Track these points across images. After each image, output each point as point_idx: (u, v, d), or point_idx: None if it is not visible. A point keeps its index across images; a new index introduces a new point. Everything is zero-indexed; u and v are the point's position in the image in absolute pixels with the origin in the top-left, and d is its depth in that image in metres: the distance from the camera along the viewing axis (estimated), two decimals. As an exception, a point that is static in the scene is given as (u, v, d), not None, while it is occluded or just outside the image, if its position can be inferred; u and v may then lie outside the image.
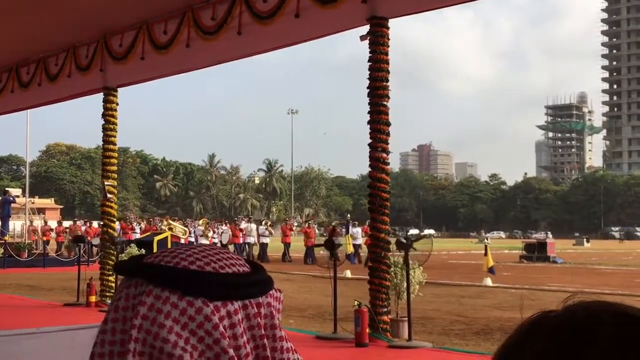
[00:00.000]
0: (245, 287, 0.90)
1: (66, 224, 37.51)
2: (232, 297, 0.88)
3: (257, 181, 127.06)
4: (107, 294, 13.73)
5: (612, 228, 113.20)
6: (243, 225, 32.65)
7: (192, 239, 31.55)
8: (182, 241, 31.13)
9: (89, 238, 26.49)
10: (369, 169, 10.13)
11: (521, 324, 0.73)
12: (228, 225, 34.86)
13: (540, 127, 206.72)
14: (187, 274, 0.87)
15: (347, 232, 29.50)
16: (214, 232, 32.86)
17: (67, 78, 13.88)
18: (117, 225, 33.70)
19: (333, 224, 38.23)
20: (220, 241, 31.07)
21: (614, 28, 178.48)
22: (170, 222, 34.41)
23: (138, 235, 31.14)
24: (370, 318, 9.46)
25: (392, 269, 10.18)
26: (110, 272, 13.85)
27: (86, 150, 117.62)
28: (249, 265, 0.94)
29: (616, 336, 0.67)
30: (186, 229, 33.41)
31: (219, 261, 0.91)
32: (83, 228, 34.43)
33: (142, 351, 0.84)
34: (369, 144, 10.07)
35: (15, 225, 33.43)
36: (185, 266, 0.89)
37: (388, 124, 10.04)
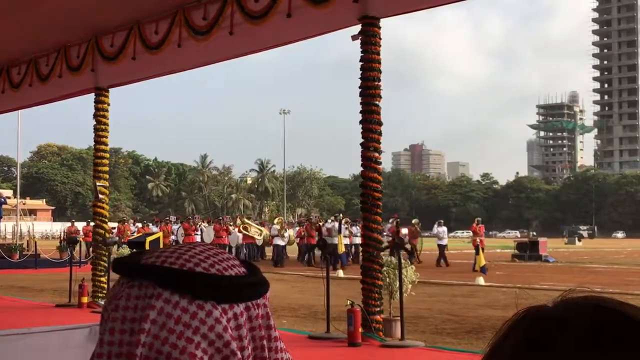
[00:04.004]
0: (247, 289, 0.90)
1: (112, 224, 36.31)
2: (237, 299, 0.88)
3: (249, 181, 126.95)
4: (99, 294, 13.70)
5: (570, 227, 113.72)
6: (329, 224, 28.98)
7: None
8: (260, 242, 29.53)
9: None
10: (361, 169, 10.13)
11: (511, 317, 0.74)
12: (304, 224, 31.19)
13: (532, 126, 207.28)
14: (195, 277, 0.87)
15: (340, 231, 28.62)
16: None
17: (58, 78, 13.84)
18: (176, 227, 32.09)
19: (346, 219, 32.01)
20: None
21: (605, 27, 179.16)
22: (246, 220, 31.28)
23: (199, 238, 28.84)
24: (362, 317, 9.46)
25: (384, 268, 10.20)
26: (103, 273, 13.82)
27: (77, 150, 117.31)
28: (244, 265, 0.94)
29: (589, 326, 0.69)
30: (262, 229, 30.61)
31: (221, 262, 0.91)
32: (133, 228, 32.70)
33: (148, 356, 0.84)
34: (361, 144, 10.07)
35: (7, 226, 33.27)
36: (191, 268, 0.88)
37: (380, 124, 10.05)
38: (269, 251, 31.29)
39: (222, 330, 0.85)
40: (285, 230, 29.44)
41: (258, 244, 30.50)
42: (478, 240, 24.58)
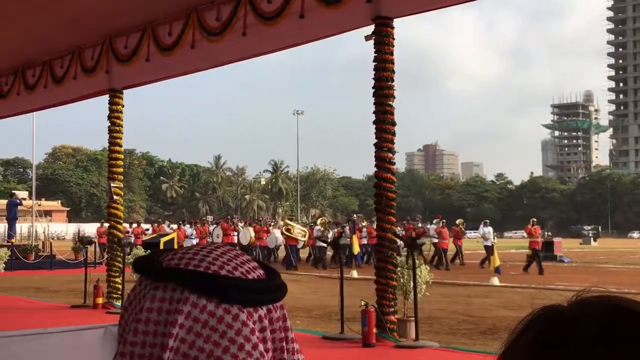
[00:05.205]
0: (270, 292, 0.90)
1: (145, 225, 35.51)
2: (261, 303, 0.89)
3: (263, 182, 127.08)
4: (114, 295, 13.76)
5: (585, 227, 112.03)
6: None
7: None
8: (300, 245, 28.99)
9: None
10: (375, 169, 10.12)
11: (525, 316, 0.74)
12: (343, 225, 29.99)
13: (547, 125, 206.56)
14: (222, 281, 0.87)
15: (354, 232, 28.35)
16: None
17: (72, 80, 13.91)
18: (211, 227, 31.10)
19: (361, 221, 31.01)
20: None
21: (620, 26, 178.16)
22: (288, 221, 30.20)
23: (236, 239, 28.31)
24: (377, 318, 9.45)
25: (398, 268, 10.18)
26: (117, 274, 13.88)
27: (92, 152, 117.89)
28: (262, 268, 0.94)
29: (600, 326, 0.69)
30: (306, 230, 29.53)
31: (242, 265, 0.91)
32: (168, 230, 31.70)
33: (174, 359, 0.84)
34: (374, 144, 10.06)
35: (22, 227, 33.44)
36: (215, 271, 0.88)
37: (394, 124, 10.04)
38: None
39: (249, 333, 0.85)
40: (328, 231, 28.50)
41: (298, 246, 29.67)
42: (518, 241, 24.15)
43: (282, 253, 29.99)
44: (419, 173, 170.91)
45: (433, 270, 23.29)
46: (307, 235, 28.92)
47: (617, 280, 20.22)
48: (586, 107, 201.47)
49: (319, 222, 30.83)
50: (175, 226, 33.78)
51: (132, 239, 27.49)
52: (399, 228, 26.49)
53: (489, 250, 26.41)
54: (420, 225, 29.28)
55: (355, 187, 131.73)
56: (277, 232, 29.60)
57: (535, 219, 26.65)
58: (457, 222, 29.31)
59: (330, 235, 28.06)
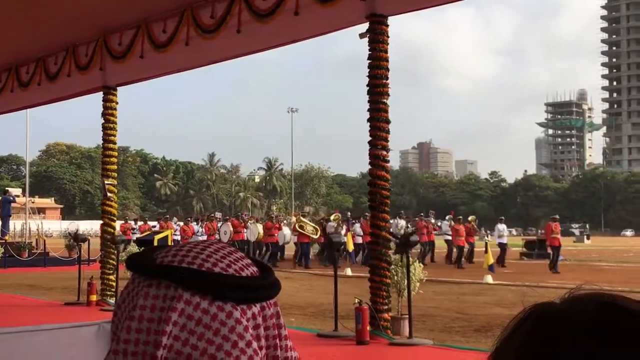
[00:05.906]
0: (264, 289, 0.90)
1: (152, 222, 35.23)
2: (255, 300, 0.89)
3: (257, 180, 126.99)
4: (108, 293, 13.74)
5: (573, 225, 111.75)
6: (392, 221, 26.31)
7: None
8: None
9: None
10: (369, 167, 10.13)
11: (518, 313, 0.75)
12: (356, 221, 29.31)
13: (540, 124, 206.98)
14: (215, 278, 0.87)
15: (348, 229, 28.21)
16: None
17: (66, 77, 13.88)
18: (219, 224, 31.11)
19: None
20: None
21: (614, 25, 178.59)
22: (302, 219, 29.39)
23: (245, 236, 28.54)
24: (371, 316, 9.46)
25: (392, 266, 10.19)
26: (111, 272, 13.86)
27: (86, 149, 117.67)
28: (257, 265, 0.94)
29: (596, 323, 0.69)
30: (317, 227, 28.82)
31: (236, 262, 0.91)
32: (175, 226, 31.86)
33: (166, 357, 0.84)
34: (369, 142, 10.07)
35: (16, 224, 33.35)
36: (209, 268, 0.88)
37: (388, 122, 10.05)
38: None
39: (243, 330, 0.85)
40: (342, 227, 27.69)
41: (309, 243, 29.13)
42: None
43: (289, 251, 30.03)
44: (413, 171, 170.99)
45: (456, 270, 23.57)
46: (319, 232, 28.71)
47: (610, 278, 20.25)
48: (580, 106, 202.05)
49: (332, 218, 30.06)
50: (182, 223, 33.57)
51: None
52: (409, 225, 26.39)
53: (502, 247, 26.46)
54: (433, 221, 29.10)
55: (349, 185, 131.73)
56: (286, 230, 29.40)
57: (557, 216, 26.35)
58: (470, 218, 28.67)
59: (343, 231, 27.73)
